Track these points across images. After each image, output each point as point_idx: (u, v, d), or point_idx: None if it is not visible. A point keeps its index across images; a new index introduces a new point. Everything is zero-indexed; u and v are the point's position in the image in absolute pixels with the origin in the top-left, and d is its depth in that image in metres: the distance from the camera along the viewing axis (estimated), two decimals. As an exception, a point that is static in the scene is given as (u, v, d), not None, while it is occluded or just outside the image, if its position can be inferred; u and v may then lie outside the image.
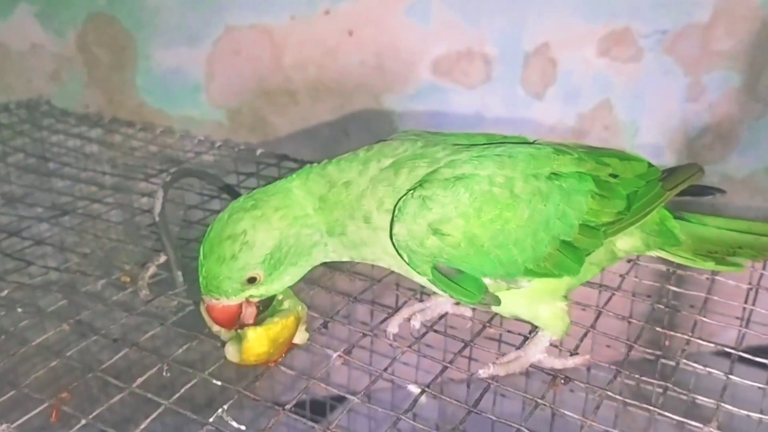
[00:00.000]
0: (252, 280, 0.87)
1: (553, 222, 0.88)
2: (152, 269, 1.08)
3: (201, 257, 0.87)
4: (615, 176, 0.95)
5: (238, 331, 0.90)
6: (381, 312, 1.08)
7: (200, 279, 0.87)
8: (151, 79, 1.82)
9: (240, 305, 0.89)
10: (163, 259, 1.11)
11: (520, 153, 0.90)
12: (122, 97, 1.83)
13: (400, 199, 0.85)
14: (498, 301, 0.91)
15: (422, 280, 0.91)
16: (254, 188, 1.44)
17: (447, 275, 0.87)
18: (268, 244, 0.85)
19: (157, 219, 1.06)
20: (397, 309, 1.07)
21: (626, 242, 1.00)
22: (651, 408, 0.88)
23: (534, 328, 1.01)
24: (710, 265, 1.05)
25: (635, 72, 1.90)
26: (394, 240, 0.85)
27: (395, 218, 0.85)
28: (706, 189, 1.09)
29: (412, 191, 0.85)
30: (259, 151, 1.53)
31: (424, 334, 1.04)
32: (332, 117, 1.88)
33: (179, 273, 1.09)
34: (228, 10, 1.77)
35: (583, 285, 1.06)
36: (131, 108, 1.84)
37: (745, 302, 1.11)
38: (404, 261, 0.87)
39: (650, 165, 1.02)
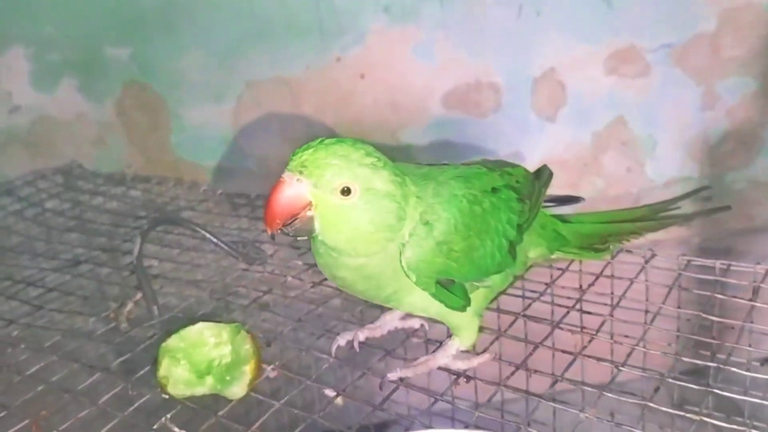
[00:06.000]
0: (347, 192, 0.85)
1: (505, 227, 1.01)
2: (130, 305, 1.25)
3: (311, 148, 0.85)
4: (518, 182, 1.07)
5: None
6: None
7: (298, 156, 0.85)
8: (184, 136, 1.98)
9: (302, 210, 0.85)
10: (139, 295, 1.27)
11: (469, 173, 1.02)
12: (159, 155, 1.99)
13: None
14: (469, 302, 1.00)
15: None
16: (235, 230, 1.59)
17: (445, 286, 0.96)
18: (389, 185, 0.88)
19: (135, 262, 1.25)
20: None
21: (535, 251, 1.13)
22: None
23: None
24: (590, 255, 1.20)
25: (646, 87, 1.92)
26: (405, 263, 0.91)
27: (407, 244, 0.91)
28: (570, 198, 1.24)
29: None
30: (254, 194, 1.72)
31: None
32: (352, 156, 1.97)
33: (155, 307, 1.24)
34: (248, 67, 1.91)
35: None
36: (168, 163, 1.99)
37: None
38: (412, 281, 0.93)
39: (524, 168, 1.14)
